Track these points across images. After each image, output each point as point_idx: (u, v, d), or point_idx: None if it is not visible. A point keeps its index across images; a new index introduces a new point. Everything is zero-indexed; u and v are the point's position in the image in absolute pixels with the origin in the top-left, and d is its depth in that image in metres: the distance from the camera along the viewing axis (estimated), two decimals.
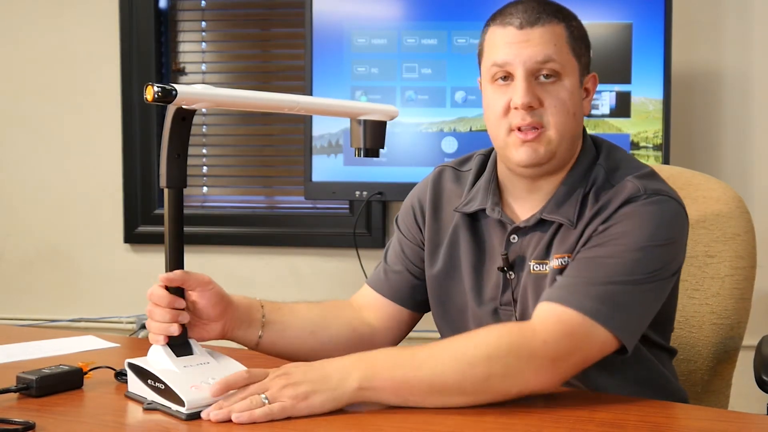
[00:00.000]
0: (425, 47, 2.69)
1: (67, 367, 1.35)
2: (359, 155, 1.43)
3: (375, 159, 2.73)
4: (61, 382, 1.32)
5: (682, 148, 2.74)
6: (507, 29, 1.39)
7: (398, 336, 1.57)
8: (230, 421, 1.17)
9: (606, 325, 1.27)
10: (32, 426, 1.14)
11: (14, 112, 3.26)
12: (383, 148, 1.45)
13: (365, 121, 1.42)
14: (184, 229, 1.31)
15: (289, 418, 1.18)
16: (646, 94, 2.58)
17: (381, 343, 1.53)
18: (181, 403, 1.20)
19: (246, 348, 1.46)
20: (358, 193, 2.72)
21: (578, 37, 1.41)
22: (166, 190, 1.28)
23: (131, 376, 1.29)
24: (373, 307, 1.56)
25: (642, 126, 2.58)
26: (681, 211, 1.39)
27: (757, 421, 1.25)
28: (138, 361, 1.28)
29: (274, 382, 1.21)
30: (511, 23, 1.38)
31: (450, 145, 2.67)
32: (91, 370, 1.40)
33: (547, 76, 1.37)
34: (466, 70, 2.65)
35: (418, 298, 1.57)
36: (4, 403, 1.27)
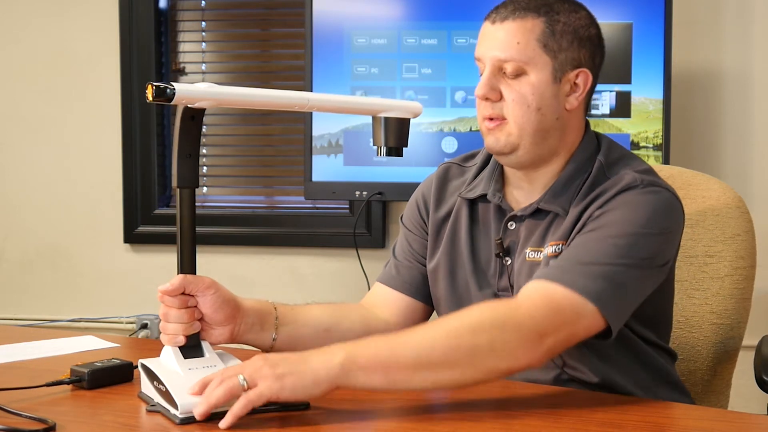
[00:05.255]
0: (425, 47, 2.69)
1: (118, 361, 1.40)
2: (381, 154, 1.39)
3: (374, 159, 2.73)
4: (112, 376, 1.37)
5: (682, 148, 2.74)
6: (485, 24, 1.44)
7: None
8: (219, 418, 1.16)
9: (595, 302, 1.27)
10: (53, 427, 1.15)
11: (14, 112, 3.26)
12: (407, 146, 1.40)
13: (387, 118, 1.38)
14: None
15: (282, 424, 1.17)
16: (646, 94, 2.58)
17: None
18: (176, 406, 1.20)
19: (260, 350, 1.43)
20: (358, 193, 2.72)
21: (563, 32, 1.41)
22: (177, 190, 1.26)
23: (143, 376, 1.29)
24: (386, 303, 1.56)
25: (642, 126, 2.58)
26: (677, 205, 1.41)
27: (757, 421, 1.25)
28: (148, 362, 1.28)
29: (251, 363, 1.18)
30: (489, 17, 1.44)
31: (450, 145, 2.67)
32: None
33: (511, 71, 1.40)
34: (466, 70, 2.65)
35: (430, 291, 1.57)
36: (50, 396, 1.31)
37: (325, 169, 2.74)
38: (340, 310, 1.52)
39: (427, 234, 1.58)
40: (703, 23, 2.76)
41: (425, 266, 1.57)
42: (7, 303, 3.30)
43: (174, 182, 1.26)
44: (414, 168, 2.67)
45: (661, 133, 2.57)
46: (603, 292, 1.28)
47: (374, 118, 1.39)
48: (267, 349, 1.41)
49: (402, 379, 1.20)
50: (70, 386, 1.34)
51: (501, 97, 1.41)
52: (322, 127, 2.74)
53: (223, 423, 1.15)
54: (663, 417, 1.23)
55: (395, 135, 1.38)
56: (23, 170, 3.27)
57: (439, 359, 1.20)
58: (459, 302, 1.51)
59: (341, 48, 2.72)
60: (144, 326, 3.14)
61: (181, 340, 1.28)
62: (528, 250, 1.43)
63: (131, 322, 3.19)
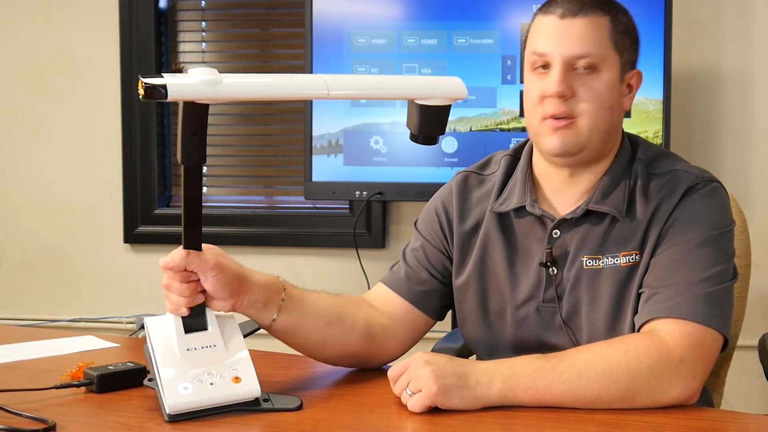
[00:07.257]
0: (425, 47, 2.69)
1: (131, 365, 1.39)
2: (416, 141, 1.32)
3: (374, 159, 2.74)
4: (122, 380, 1.36)
5: (682, 148, 2.73)
6: (548, 18, 1.39)
7: (410, 339, 1.54)
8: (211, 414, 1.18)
9: (718, 328, 1.31)
10: (53, 427, 1.16)
11: (14, 112, 3.26)
12: (443, 133, 1.32)
13: (423, 105, 1.26)
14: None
15: (280, 424, 1.18)
16: (646, 94, 2.58)
17: (393, 344, 1.51)
18: (165, 407, 1.20)
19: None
20: (358, 193, 2.72)
21: (624, 32, 1.40)
22: (182, 168, 1.23)
23: (147, 333, 1.29)
24: (387, 306, 1.52)
25: (642, 126, 2.58)
26: (727, 196, 1.44)
27: (757, 421, 1.25)
28: (152, 326, 1.28)
29: (417, 368, 1.24)
30: (554, 12, 1.39)
31: (450, 145, 2.66)
32: None
33: (584, 68, 1.37)
34: (466, 70, 2.65)
35: (436, 304, 1.54)
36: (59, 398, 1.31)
37: (325, 169, 2.74)
38: (347, 305, 1.48)
39: (448, 246, 1.54)
40: (703, 23, 2.76)
41: (437, 279, 1.54)
42: (7, 303, 3.30)
43: (178, 158, 1.24)
44: (414, 168, 2.67)
45: (661, 133, 2.57)
46: (719, 314, 1.32)
47: (410, 102, 1.27)
48: (264, 327, 1.39)
49: (554, 405, 1.25)
50: (82, 389, 1.34)
51: (573, 95, 1.38)
52: (322, 127, 2.74)
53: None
54: (663, 417, 1.23)
55: (433, 123, 1.29)
56: (23, 170, 3.27)
57: (595, 399, 1.25)
58: (496, 319, 1.48)
59: (341, 48, 2.72)
60: (144, 326, 3.14)
61: (184, 312, 1.28)
62: (585, 258, 1.40)
63: (131, 322, 3.19)
